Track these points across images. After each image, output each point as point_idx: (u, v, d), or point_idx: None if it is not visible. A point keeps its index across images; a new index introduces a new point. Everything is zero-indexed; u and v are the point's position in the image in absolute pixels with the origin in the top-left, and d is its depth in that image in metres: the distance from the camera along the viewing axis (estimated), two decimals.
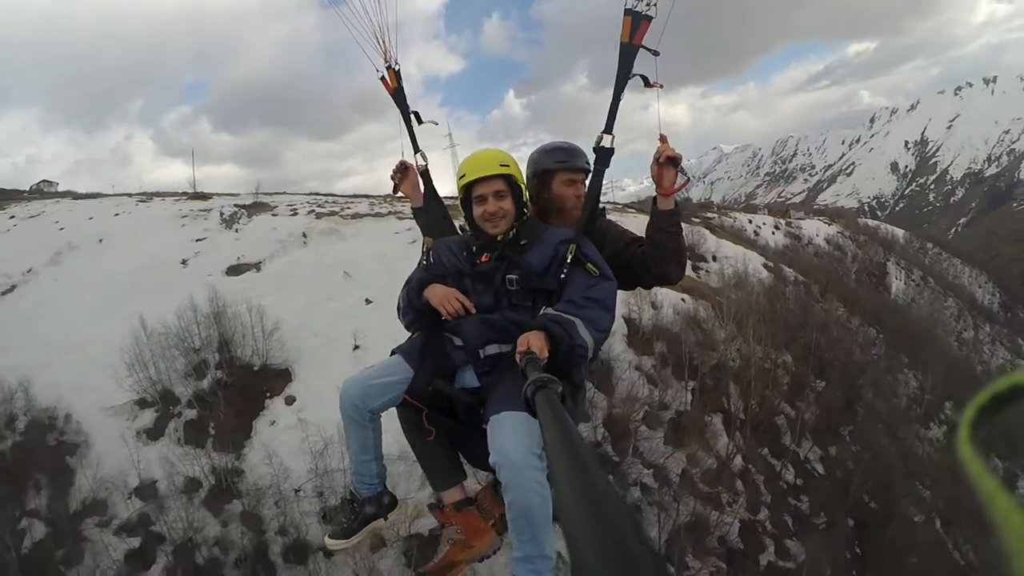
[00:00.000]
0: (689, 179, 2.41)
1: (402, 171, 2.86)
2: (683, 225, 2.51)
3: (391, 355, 2.42)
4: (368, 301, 13.80)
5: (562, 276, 2.22)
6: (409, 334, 2.50)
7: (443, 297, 2.24)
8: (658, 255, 2.42)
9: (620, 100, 2.43)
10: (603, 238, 2.55)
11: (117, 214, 18.99)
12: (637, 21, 2.36)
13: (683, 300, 16.31)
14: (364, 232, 17.88)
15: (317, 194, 24.20)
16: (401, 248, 15.40)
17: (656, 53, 2.38)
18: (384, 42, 2.83)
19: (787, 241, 37.64)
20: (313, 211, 19.87)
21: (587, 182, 2.58)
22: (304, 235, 17.21)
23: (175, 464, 9.94)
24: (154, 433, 10.68)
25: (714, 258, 24.22)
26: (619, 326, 14.46)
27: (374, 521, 2.53)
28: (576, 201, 2.60)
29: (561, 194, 2.61)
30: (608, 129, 2.45)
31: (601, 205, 2.69)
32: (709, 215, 35.97)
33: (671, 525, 10.83)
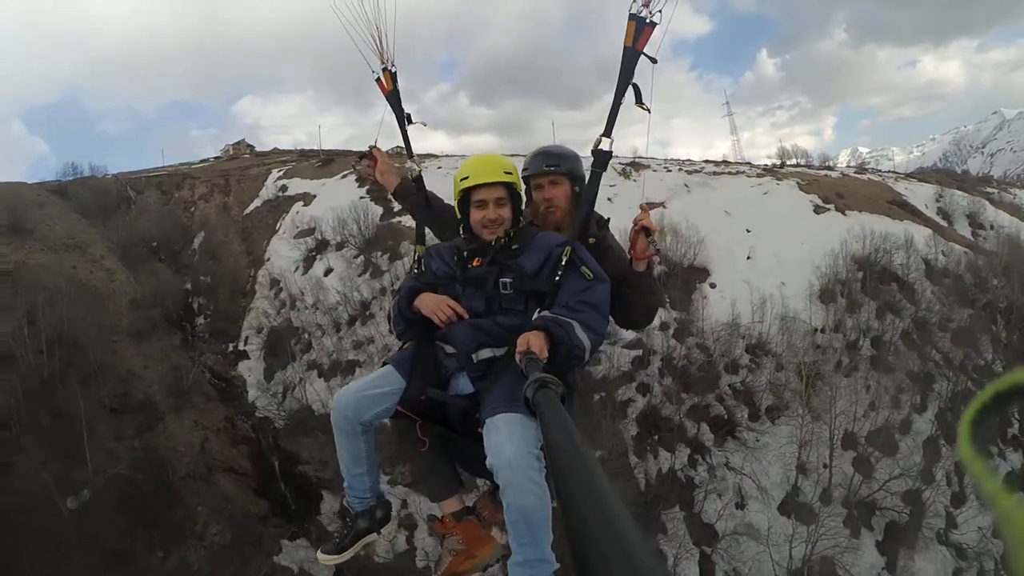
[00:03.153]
0: (659, 250, 3.23)
1: (372, 159, 3.76)
2: (656, 283, 3.37)
3: (382, 365, 2.98)
4: (748, 231, 27.39)
5: (556, 279, 2.77)
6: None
7: (435, 305, 2.79)
8: (628, 308, 3.19)
9: (620, 104, 3.13)
10: (604, 255, 3.14)
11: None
12: (641, 27, 3.04)
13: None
14: (727, 185, 31.75)
15: (689, 160, 37.81)
16: (756, 197, 29.95)
17: (654, 60, 3.09)
18: (381, 44, 3.57)
19: None
20: (683, 169, 33.45)
21: (581, 184, 3.35)
22: (686, 185, 30.93)
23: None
24: None
25: (991, 226, 34.02)
26: None
27: (367, 536, 3.08)
28: (546, 204, 3.35)
29: (534, 199, 3.39)
30: (607, 132, 3.15)
31: (607, 217, 3.46)
32: (989, 190, 40.53)
33: None
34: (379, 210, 27.95)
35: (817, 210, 31.42)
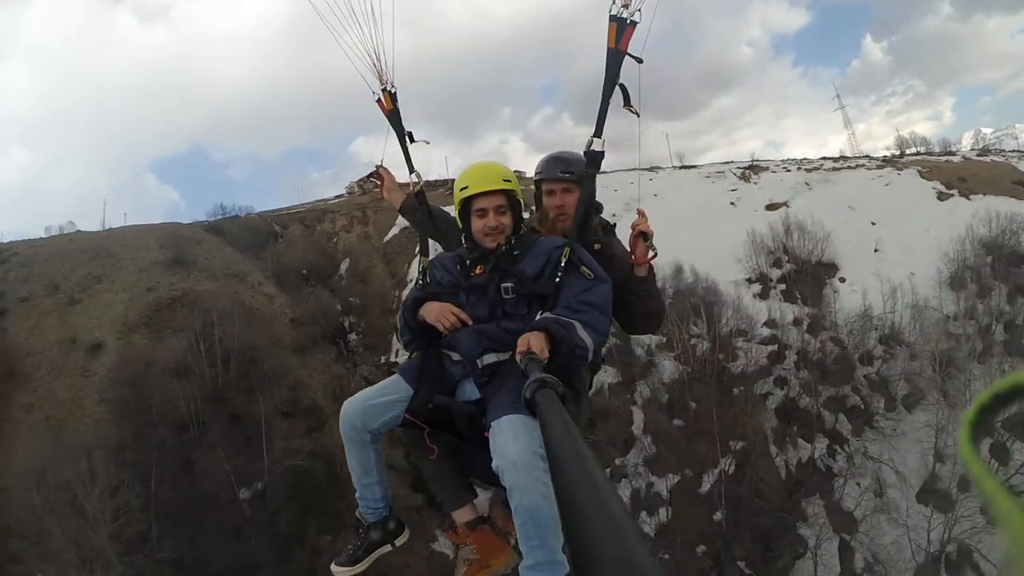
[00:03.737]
0: (656, 254, 3.27)
1: (378, 178, 3.97)
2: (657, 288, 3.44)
3: (390, 374, 3.04)
4: (873, 223, 29.42)
5: (556, 280, 2.85)
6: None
7: (439, 313, 2.86)
8: (632, 314, 3.33)
9: (608, 105, 3.23)
10: (610, 260, 3.25)
11: (651, 179, 34.33)
12: (622, 27, 3.16)
13: None
14: (847, 179, 34.10)
15: (806, 159, 40.19)
16: (878, 189, 32.34)
17: (640, 60, 3.20)
18: (380, 65, 3.75)
19: None
20: (801, 168, 35.88)
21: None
22: (807, 183, 33.17)
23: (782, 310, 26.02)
24: (763, 294, 27.71)
25: None
26: None
27: (381, 547, 3.13)
28: (557, 211, 3.42)
29: (545, 204, 3.48)
30: (597, 133, 3.25)
31: (613, 222, 3.59)
32: None
33: None
34: None
35: (940, 196, 32.51)
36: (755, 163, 34.71)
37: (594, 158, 3.27)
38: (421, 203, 3.81)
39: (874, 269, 27.83)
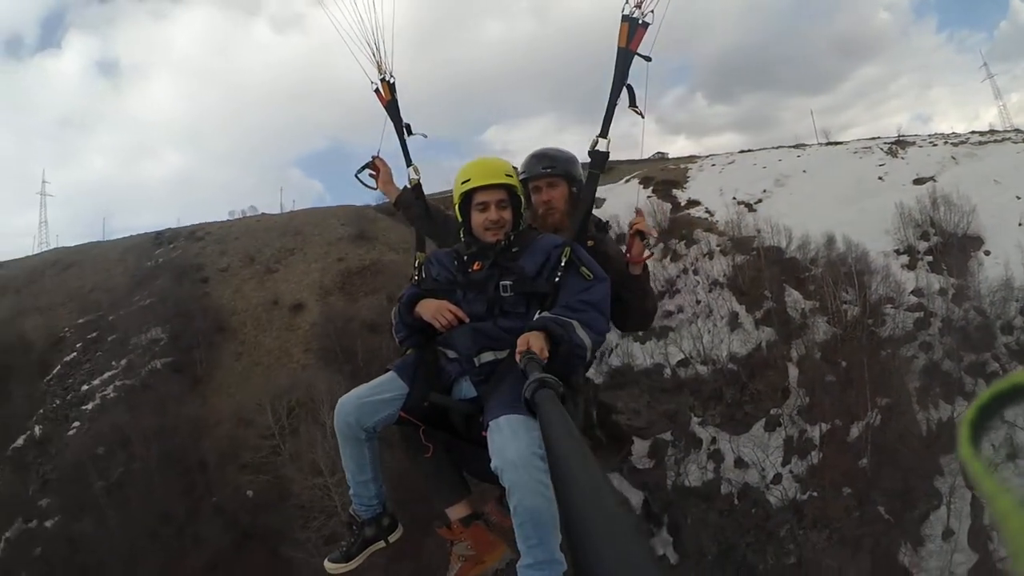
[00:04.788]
0: (652, 253, 3.69)
1: (374, 169, 4.23)
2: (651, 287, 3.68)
3: (386, 371, 3.26)
4: (1018, 197, 31.60)
5: (556, 280, 3.07)
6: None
7: (435, 310, 3.09)
8: (625, 312, 3.53)
9: (616, 105, 3.46)
10: (604, 257, 3.43)
11: (799, 156, 38.01)
12: (634, 27, 3.38)
13: None
14: (994, 153, 36.30)
15: (954, 132, 42.39)
16: None
17: (648, 59, 3.42)
18: (379, 54, 4.00)
19: None
20: (948, 142, 38.09)
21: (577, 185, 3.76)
22: (953, 158, 35.57)
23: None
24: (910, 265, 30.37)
25: None
26: None
27: (374, 544, 3.40)
28: (544, 206, 3.74)
29: (533, 201, 3.76)
30: (603, 133, 3.49)
31: (605, 219, 3.86)
32: None
33: None
34: (668, 205, 34.89)
35: None
36: (901, 138, 36.98)
37: (599, 158, 3.50)
38: (418, 197, 4.03)
39: (1018, 242, 29.87)
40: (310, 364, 32.42)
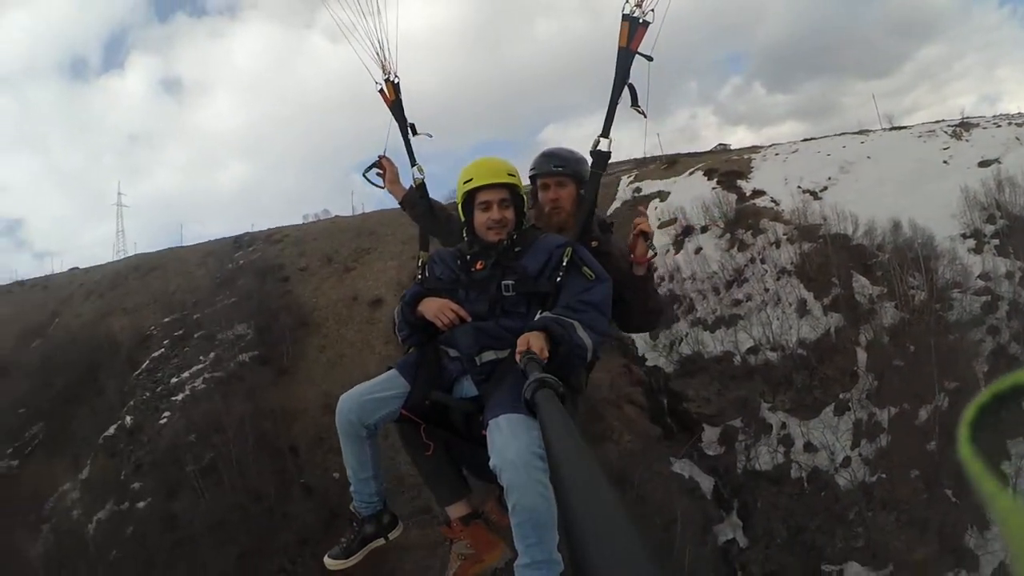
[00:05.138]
0: (656, 253, 3.72)
1: (381, 168, 4.39)
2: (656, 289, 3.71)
3: (387, 369, 3.48)
4: None
5: (557, 279, 3.27)
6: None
7: (437, 309, 3.32)
8: (628, 313, 3.78)
9: (617, 105, 3.64)
10: (607, 259, 3.63)
11: (863, 142, 39.33)
12: (634, 27, 3.54)
13: None
14: None
15: (1020, 113, 42.92)
16: None
17: (650, 58, 3.58)
18: (384, 55, 4.16)
19: None
20: (1012, 123, 38.66)
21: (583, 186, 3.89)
22: (1018, 139, 36.21)
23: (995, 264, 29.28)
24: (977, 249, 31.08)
25: None
26: None
27: (374, 541, 3.58)
28: (551, 204, 3.96)
29: (540, 198, 4.01)
30: (605, 133, 3.68)
31: (610, 220, 4.00)
32: None
33: None
34: (733, 196, 36.24)
35: None
36: (965, 120, 37.12)
37: (601, 158, 3.73)
38: (422, 196, 4.22)
39: None
40: (391, 355, 35.44)
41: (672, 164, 44.64)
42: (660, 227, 38.42)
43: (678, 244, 37.34)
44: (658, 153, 47.68)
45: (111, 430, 33.82)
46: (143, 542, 28.15)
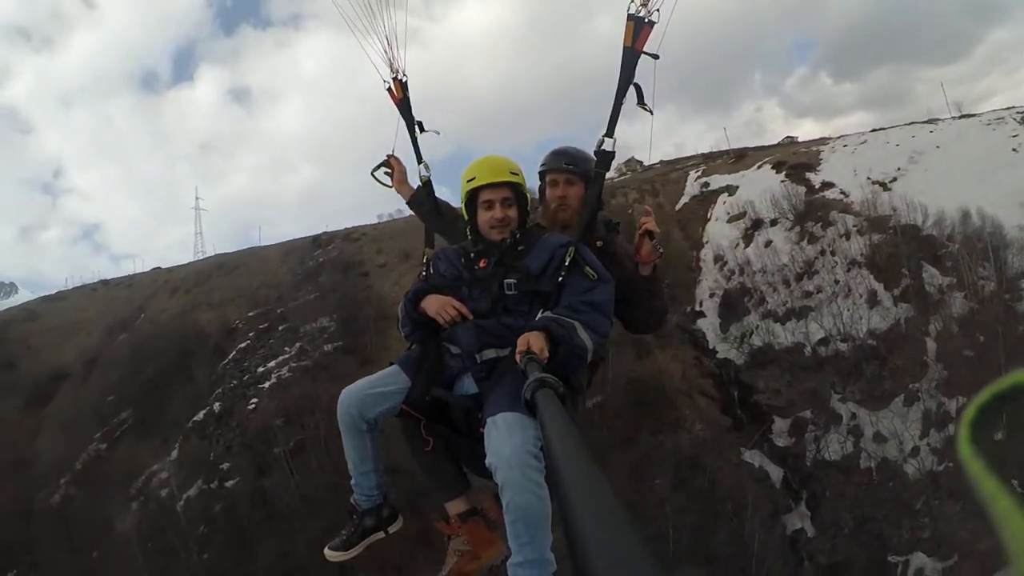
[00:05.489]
0: (662, 253, 3.68)
1: (389, 167, 4.42)
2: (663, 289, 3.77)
3: (389, 365, 3.48)
4: None
5: (559, 279, 3.25)
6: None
7: (440, 306, 3.28)
8: (634, 313, 3.80)
9: (622, 104, 3.65)
10: (612, 259, 3.63)
11: (931, 131, 39.51)
12: (639, 27, 3.55)
13: None
14: None
15: None
16: None
17: (656, 57, 3.57)
18: (391, 53, 4.19)
19: None
20: None
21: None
22: None
23: None
24: None
25: None
26: None
27: (374, 534, 3.61)
28: (559, 201, 3.93)
29: (547, 195, 4.00)
30: (609, 132, 3.68)
31: (616, 220, 3.97)
32: None
33: None
34: (802, 189, 36.80)
35: None
36: None
37: (605, 158, 3.76)
38: (429, 195, 4.29)
39: None
40: None
41: (740, 158, 45.38)
42: (729, 221, 39.65)
43: (748, 238, 38.43)
44: (725, 147, 48.94)
45: (200, 415, 36.90)
46: (232, 517, 31.09)
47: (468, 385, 3.31)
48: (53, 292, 64.15)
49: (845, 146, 40.06)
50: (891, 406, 28.58)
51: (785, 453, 29.79)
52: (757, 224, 38.05)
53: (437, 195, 4.45)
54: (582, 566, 0.84)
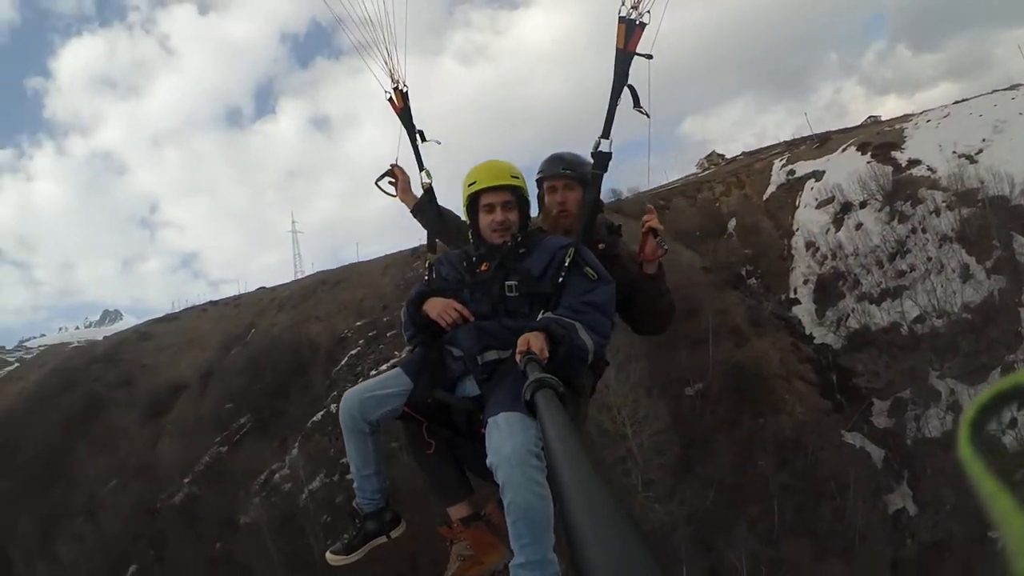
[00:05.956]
0: (667, 250, 3.66)
1: (393, 177, 4.51)
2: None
3: (392, 367, 3.47)
4: None
5: (560, 280, 3.30)
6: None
7: (441, 308, 3.33)
8: (640, 313, 3.84)
9: (617, 106, 3.67)
10: (614, 261, 3.67)
11: (1013, 98, 40.11)
12: (631, 29, 3.61)
13: None
14: None
15: None
16: None
17: (650, 57, 3.62)
18: (392, 63, 4.28)
19: None
20: None
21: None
22: None
23: None
24: None
25: None
26: None
27: (376, 538, 3.64)
28: (559, 207, 3.95)
29: (547, 201, 4.01)
30: (605, 134, 3.72)
31: (618, 223, 4.00)
32: None
33: None
34: (889, 168, 37.56)
35: None
36: None
37: (601, 159, 3.78)
38: (431, 201, 4.35)
39: None
40: None
41: (824, 143, 46.01)
42: (818, 207, 40.50)
43: (838, 222, 39.33)
44: (807, 133, 49.62)
45: (318, 416, 39.90)
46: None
47: (470, 387, 3.35)
48: (161, 315, 69.36)
49: (928, 121, 40.54)
50: (989, 380, 28.65)
51: (885, 433, 30.77)
52: (846, 207, 39.02)
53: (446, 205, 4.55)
54: (582, 566, 0.87)
